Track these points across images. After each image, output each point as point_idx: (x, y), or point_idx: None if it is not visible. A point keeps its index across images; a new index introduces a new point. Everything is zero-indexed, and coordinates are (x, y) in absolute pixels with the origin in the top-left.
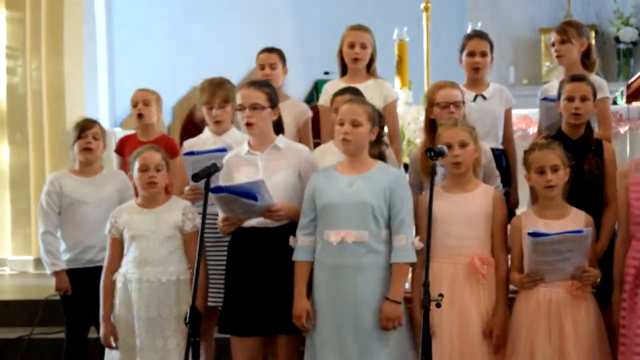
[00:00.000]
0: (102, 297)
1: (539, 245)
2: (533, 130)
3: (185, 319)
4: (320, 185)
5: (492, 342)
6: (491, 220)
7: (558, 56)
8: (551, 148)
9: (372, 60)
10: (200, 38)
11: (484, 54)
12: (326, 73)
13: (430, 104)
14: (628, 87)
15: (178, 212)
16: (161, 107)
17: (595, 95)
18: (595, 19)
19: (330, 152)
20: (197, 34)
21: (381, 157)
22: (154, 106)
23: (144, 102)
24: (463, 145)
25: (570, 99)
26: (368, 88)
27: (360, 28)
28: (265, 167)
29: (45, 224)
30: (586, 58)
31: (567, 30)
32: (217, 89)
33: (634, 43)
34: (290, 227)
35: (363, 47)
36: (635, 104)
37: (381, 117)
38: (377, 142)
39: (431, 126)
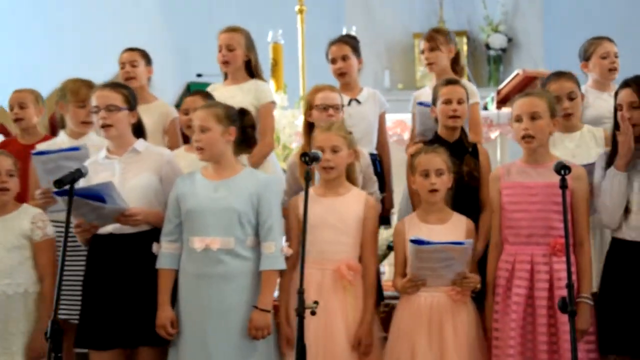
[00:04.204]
0: None
1: (420, 253)
2: (408, 135)
3: (46, 333)
4: (184, 190)
5: (359, 351)
6: (362, 225)
7: (428, 64)
8: (437, 152)
9: (249, 61)
10: (68, 37)
11: (345, 58)
12: (199, 75)
13: (309, 106)
14: (498, 92)
15: (27, 220)
16: (43, 106)
17: (467, 99)
18: (466, 25)
19: (182, 157)
20: (65, 32)
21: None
22: (31, 107)
23: (19, 105)
24: (335, 150)
25: (447, 102)
26: (242, 90)
27: (227, 30)
28: (123, 170)
29: None
30: (455, 64)
31: (435, 37)
32: (94, 88)
33: (504, 49)
34: (150, 233)
35: (229, 49)
36: (505, 109)
37: (247, 115)
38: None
39: (309, 130)
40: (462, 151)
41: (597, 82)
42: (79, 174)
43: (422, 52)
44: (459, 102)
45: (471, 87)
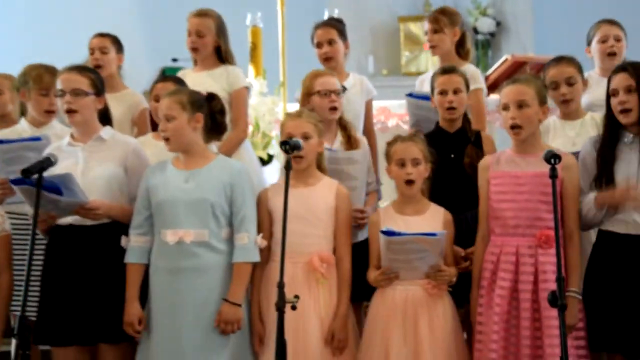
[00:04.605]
0: None
1: (392, 244)
2: (392, 122)
3: (13, 330)
4: (155, 181)
5: (333, 346)
6: (334, 215)
7: (432, 46)
8: (414, 141)
9: (219, 46)
10: (37, 22)
11: (331, 42)
12: (174, 60)
13: (308, 93)
14: (486, 78)
15: None
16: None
17: (468, 85)
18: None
19: (150, 145)
20: (33, 17)
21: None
22: (7, 94)
23: None
24: (305, 137)
25: (443, 93)
26: (213, 76)
27: (197, 14)
28: (86, 159)
29: None
30: (460, 47)
31: (440, 19)
32: (59, 74)
33: (492, 34)
34: (112, 224)
35: (199, 35)
36: (493, 96)
37: (214, 100)
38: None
39: None
40: (464, 141)
41: (600, 67)
42: (49, 162)
43: (426, 33)
44: (455, 92)
45: (473, 72)
